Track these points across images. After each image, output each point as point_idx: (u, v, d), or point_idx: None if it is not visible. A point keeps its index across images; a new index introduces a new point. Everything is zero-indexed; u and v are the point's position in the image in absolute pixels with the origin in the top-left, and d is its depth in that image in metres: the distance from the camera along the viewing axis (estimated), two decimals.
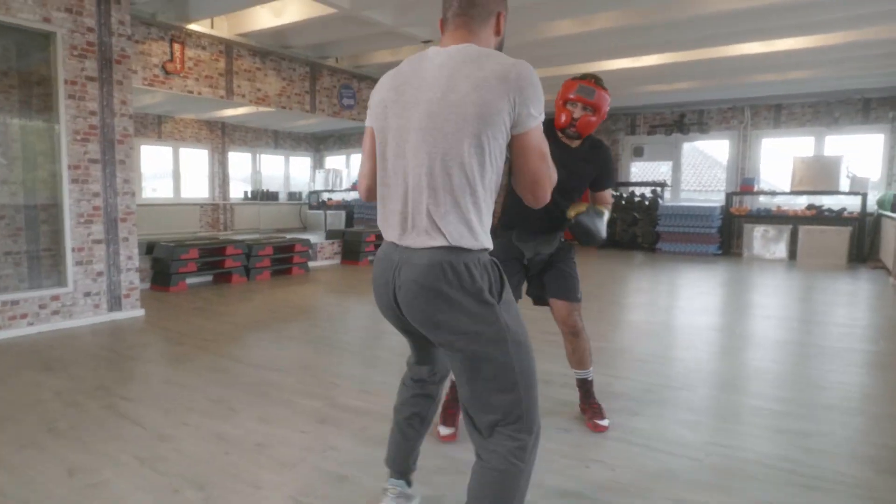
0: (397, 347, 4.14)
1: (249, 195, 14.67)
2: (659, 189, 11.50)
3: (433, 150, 1.39)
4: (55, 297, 4.72)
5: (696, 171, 15.32)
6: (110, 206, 5.00)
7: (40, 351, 4.12)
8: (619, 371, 3.71)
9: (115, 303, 5.09)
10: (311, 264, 8.32)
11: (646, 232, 11.32)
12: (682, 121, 11.50)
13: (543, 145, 1.46)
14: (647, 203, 11.40)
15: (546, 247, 2.72)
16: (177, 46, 6.66)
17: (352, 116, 9.16)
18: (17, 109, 4.69)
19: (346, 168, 16.22)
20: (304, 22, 6.61)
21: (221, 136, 13.77)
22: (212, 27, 6.99)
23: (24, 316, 4.55)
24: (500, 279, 1.49)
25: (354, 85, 9.08)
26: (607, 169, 2.72)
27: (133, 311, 5.20)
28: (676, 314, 5.76)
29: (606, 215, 2.64)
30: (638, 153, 12.26)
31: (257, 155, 15.17)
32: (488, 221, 1.47)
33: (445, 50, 1.46)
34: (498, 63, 1.38)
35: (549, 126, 2.50)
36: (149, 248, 6.70)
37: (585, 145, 2.67)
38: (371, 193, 1.64)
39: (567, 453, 2.54)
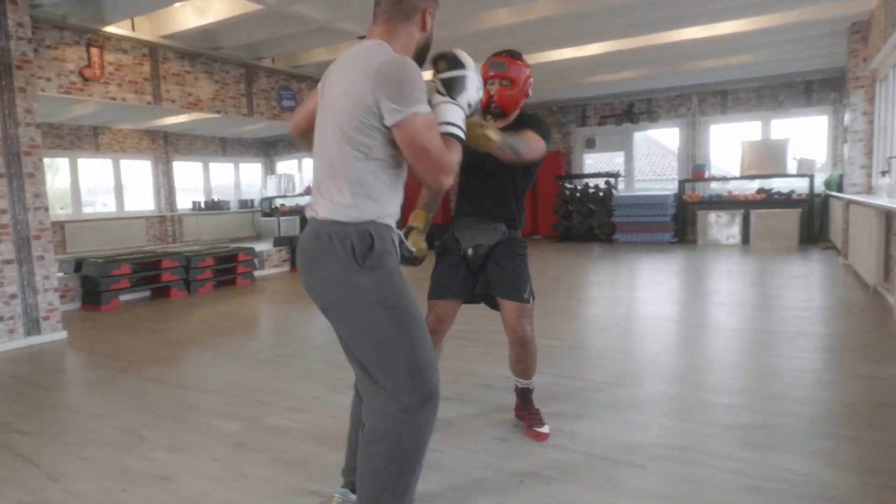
0: (335, 359, 3.90)
1: (202, 205, 14.17)
2: (613, 180, 11.49)
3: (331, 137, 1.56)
4: None
5: (650, 161, 15.45)
6: (20, 222, 4.61)
7: None
8: (565, 370, 3.55)
9: (32, 326, 4.70)
10: (257, 273, 7.98)
11: (602, 223, 11.29)
12: (631, 110, 11.52)
13: (420, 137, 1.47)
14: (601, 194, 11.38)
15: (484, 237, 2.48)
16: (94, 51, 6.26)
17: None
18: None
19: (298, 172, 15.83)
20: (231, 20, 6.31)
21: (164, 146, 13.24)
22: (133, 29, 6.61)
23: None
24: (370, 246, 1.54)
25: (294, 86, 8.77)
26: (534, 125, 2.39)
27: (54, 335, 4.82)
28: (631, 306, 5.66)
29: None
30: (590, 144, 12.24)
31: (207, 164, 14.68)
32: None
33: (359, 44, 1.58)
34: (374, 59, 1.47)
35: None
36: (77, 266, 6.28)
37: (515, 123, 2.49)
38: (300, 131, 1.79)
39: (500, 467, 2.35)
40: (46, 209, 4.77)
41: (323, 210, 1.57)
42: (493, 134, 2.04)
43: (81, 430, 2.88)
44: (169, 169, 13.33)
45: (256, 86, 8.20)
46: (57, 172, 11.68)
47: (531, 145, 2.21)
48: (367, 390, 1.60)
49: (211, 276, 7.23)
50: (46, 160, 11.37)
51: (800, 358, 3.64)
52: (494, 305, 2.55)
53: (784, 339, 4.06)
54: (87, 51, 6.21)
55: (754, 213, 9.87)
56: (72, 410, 3.19)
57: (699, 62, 9.08)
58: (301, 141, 1.81)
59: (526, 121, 2.48)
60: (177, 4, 6.17)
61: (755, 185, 10.45)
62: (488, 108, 2.46)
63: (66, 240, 11.16)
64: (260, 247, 9.01)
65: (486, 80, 2.41)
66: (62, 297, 6.13)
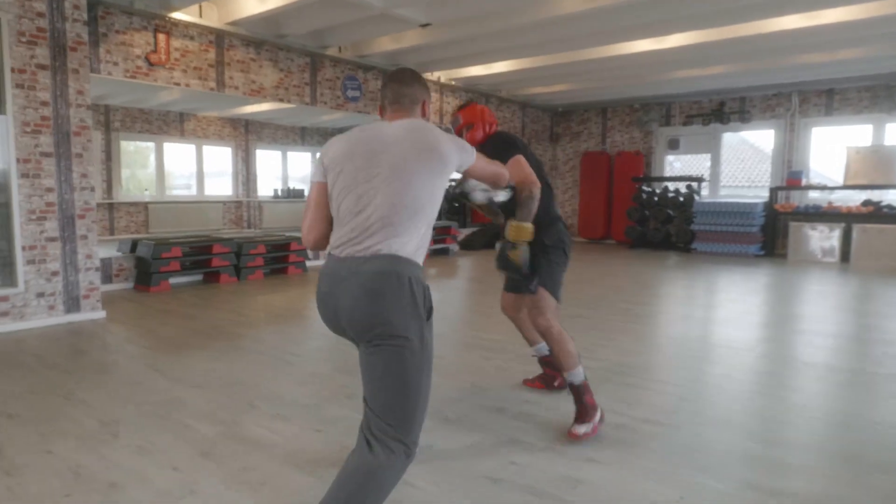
0: (342, 363, 3.65)
1: (279, 193, 14.55)
2: (696, 184, 10.58)
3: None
4: (4, 298, 4.45)
5: (743, 165, 14.18)
6: (66, 202, 4.71)
7: None
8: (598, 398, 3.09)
9: (72, 304, 4.80)
10: (309, 263, 7.94)
11: (680, 230, 10.43)
12: (721, 109, 10.55)
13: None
14: (681, 199, 10.51)
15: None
16: (161, 37, 6.37)
17: (357, 109, 8.73)
18: None
19: None
20: (293, 6, 6.21)
21: (245, 134, 13.66)
22: (200, 16, 6.68)
23: None
24: None
25: (360, 76, 8.65)
26: (487, 148, 2.51)
27: (92, 313, 4.90)
28: (697, 326, 5.04)
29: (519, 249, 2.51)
30: (673, 146, 11.35)
31: (286, 152, 15.05)
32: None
33: (397, 122, 1.81)
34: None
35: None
36: (132, 246, 6.45)
37: (483, 145, 2.71)
38: (320, 243, 1.84)
39: None
40: (92, 189, 4.85)
41: (363, 253, 1.71)
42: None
43: (62, 419, 2.79)
44: (248, 156, 13.74)
45: (321, 75, 8.14)
46: (146, 155, 12.31)
47: (497, 177, 2.06)
48: (374, 424, 1.64)
49: (262, 264, 7.24)
50: (135, 144, 12.10)
51: (891, 407, 2.98)
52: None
53: (874, 380, 3.38)
54: (154, 36, 6.33)
55: (857, 228, 8.73)
56: (65, 396, 3.12)
57: (801, 56, 8.06)
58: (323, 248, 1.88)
59: (485, 144, 2.69)
60: None
61: (861, 196, 9.24)
62: None
63: (149, 220, 11.74)
64: None
65: (459, 133, 2.80)
66: (116, 275, 6.32)
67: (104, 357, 3.93)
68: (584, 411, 2.61)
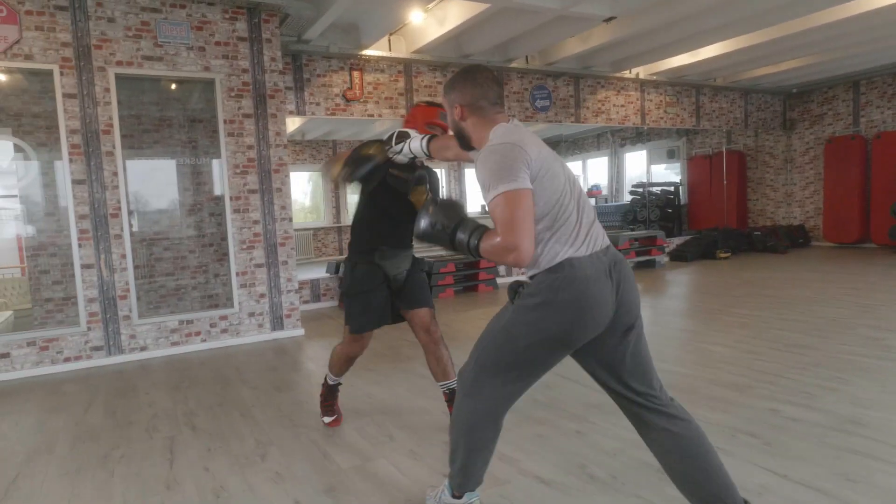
0: None
1: None
2: None
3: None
4: (223, 317, 5.16)
5: None
6: (269, 232, 5.30)
7: (189, 367, 4.49)
8: (797, 467, 2.35)
9: (277, 322, 5.37)
10: (500, 280, 7.85)
11: None
12: None
13: None
14: None
15: (405, 262, 2.92)
16: (355, 74, 6.91)
17: (548, 119, 8.44)
18: (190, 150, 5.31)
19: (581, 172, 15.50)
20: (468, 24, 6.23)
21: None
22: (389, 49, 7.09)
23: (197, 333, 5.06)
24: None
25: (549, 84, 8.35)
26: None
27: (293, 331, 5.42)
28: None
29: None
30: None
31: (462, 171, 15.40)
32: None
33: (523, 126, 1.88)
34: None
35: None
36: (336, 268, 7.05)
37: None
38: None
39: None
40: (290, 219, 5.39)
41: (607, 240, 1.82)
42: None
43: (231, 436, 3.03)
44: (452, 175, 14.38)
45: (508, 88, 8.05)
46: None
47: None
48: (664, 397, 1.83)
49: (452, 282, 7.36)
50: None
51: None
52: (401, 319, 2.97)
53: None
54: (350, 74, 6.90)
55: None
56: (242, 412, 3.41)
57: None
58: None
59: None
60: (417, 18, 6.37)
61: None
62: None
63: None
64: None
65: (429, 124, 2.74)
66: (323, 295, 6.97)
67: (287, 375, 4.26)
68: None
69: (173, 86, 5.57)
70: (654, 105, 9.32)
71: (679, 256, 9.54)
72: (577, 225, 1.74)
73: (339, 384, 3.16)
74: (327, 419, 3.11)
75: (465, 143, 1.96)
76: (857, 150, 9.64)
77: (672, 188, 12.23)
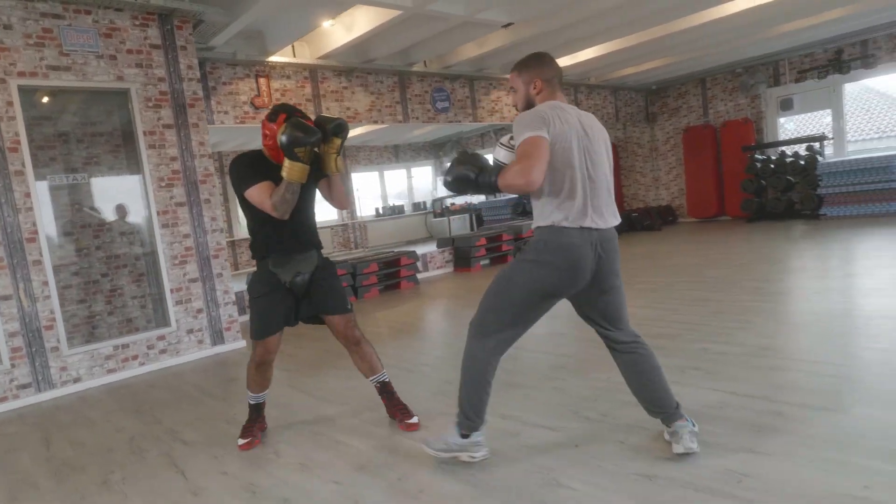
0: None
1: (380, 211, 15.09)
2: (817, 145, 9.70)
3: (606, 171, 2.28)
4: (161, 337, 4.95)
5: (869, 117, 12.81)
6: (201, 244, 5.16)
7: (140, 392, 4.30)
8: (742, 386, 2.91)
9: (217, 337, 5.25)
10: (420, 276, 8.14)
11: (805, 197, 9.59)
12: (839, 58, 9.60)
13: None
14: (802, 163, 9.67)
15: (304, 265, 2.79)
16: (262, 80, 6.84)
17: (448, 119, 8.86)
18: (109, 165, 5.03)
19: None
20: (377, 31, 6.44)
21: (344, 159, 14.31)
22: (294, 55, 7.10)
23: (135, 357, 4.82)
24: None
25: (447, 86, 8.78)
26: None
27: (235, 343, 5.33)
28: (840, 298, 4.60)
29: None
30: (786, 106, 10.50)
31: (382, 172, 15.60)
32: None
33: (573, 108, 2.28)
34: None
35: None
36: None
37: None
38: (536, 188, 2.10)
39: None
40: (222, 230, 5.29)
41: (610, 221, 2.24)
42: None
43: (230, 443, 3.03)
44: (347, 180, 14.38)
45: (410, 91, 8.36)
46: None
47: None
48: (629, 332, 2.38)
49: (376, 282, 7.52)
50: None
51: None
52: (319, 321, 2.94)
53: None
54: (256, 81, 6.81)
55: None
56: (228, 421, 3.40)
57: None
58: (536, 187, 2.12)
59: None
60: (327, 25, 6.47)
61: None
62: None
63: (237, 261, 12.53)
64: (423, 249, 9.21)
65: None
66: (247, 307, 6.82)
67: None
68: (403, 405, 3.00)
69: (81, 96, 5.21)
70: None
71: None
72: (583, 205, 2.15)
73: (262, 403, 3.03)
74: (241, 441, 2.91)
75: None
76: (708, 137, 11.14)
77: None
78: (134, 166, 4.99)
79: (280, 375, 4.26)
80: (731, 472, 2.12)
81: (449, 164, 2.32)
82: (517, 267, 2.23)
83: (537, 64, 2.30)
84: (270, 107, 2.76)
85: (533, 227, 2.23)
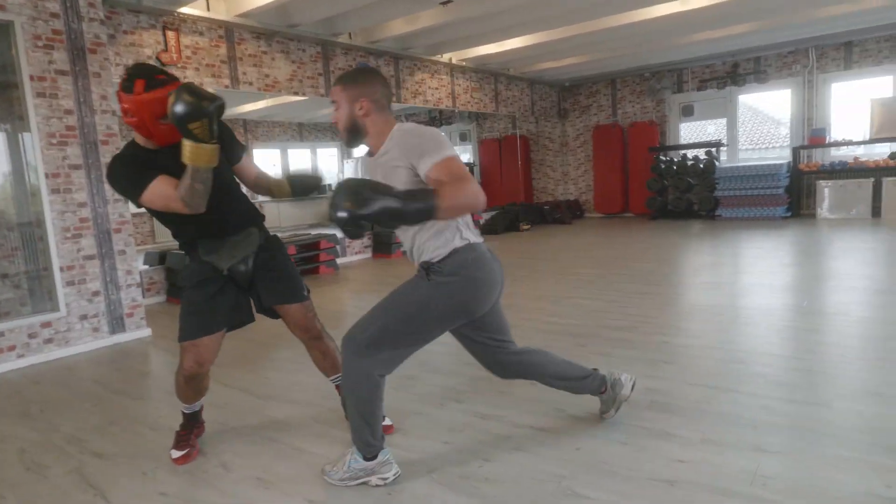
0: (431, 363, 3.42)
1: None
2: (714, 150, 10.39)
3: None
4: (46, 324, 4.16)
5: (761, 128, 14.01)
6: (100, 216, 4.40)
7: (23, 389, 3.56)
8: (716, 380, 2.89)
9: (117, 324, 4.52)
10: (340, 261, 7.67)
11: (703, 198, 10.26)
12: (735, 71, 10.33)
13: None
14: (701, 166, 10.32)
15: (242, 248, 2.32)
16: (171, 34, 6.02)
17: None
18: None
19: None
20: None
21: (244, 133, 13.28)
22: (208, 9, 6.32)
23: (11, 348, 4.01)
24: None
25: (372, 62, 8.31)
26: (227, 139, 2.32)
27: (138, 332, 4.62)
28: (741, 293, 4.84)
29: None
30: (687, 112, 11.14)
31: (285, 150, 14.70)
32: None
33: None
34: None
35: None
36: (161, 258, 6.15)
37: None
38: None
39: None
40: (126, 201, 4.54)
41: None
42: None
43: (159, 453, 2.53)
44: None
45: (333, 64, 7.80)
46: None
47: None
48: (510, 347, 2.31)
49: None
50: None
51: None
52: (274, 315, 2.46)
53: None
54: (164, 34, 5.98)
55: (887, 182, 8.61)
56: (150, 426, 2.86)
57: (819, 10, 7.83)
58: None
59: None
60: None
61: (886, 149, 9.09)
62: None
63: (155, 231, 11.37)
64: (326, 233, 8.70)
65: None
66: (147, 290, 6.02)
67: (170, 379, 3.65)
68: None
69: None
70: (462, 90, 9.93)
71: (490, 230, 10.40)
72: (470, 223, 2.07)
73: (198, 410, 2.57)
74: (175, 454, 2.43)
75: (356, 138, 2.02)
76: (616, 136, 11.58)
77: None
78: (15, 118, 4.12)
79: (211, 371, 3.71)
80: (746, 471, 2.04)
81: (343, 199, 1.60)
82: (438, 289, 1.98)
83: (367, 81, 1.97)
84: (126, 73, 2.06)
85: (440, 251, 1.96)
